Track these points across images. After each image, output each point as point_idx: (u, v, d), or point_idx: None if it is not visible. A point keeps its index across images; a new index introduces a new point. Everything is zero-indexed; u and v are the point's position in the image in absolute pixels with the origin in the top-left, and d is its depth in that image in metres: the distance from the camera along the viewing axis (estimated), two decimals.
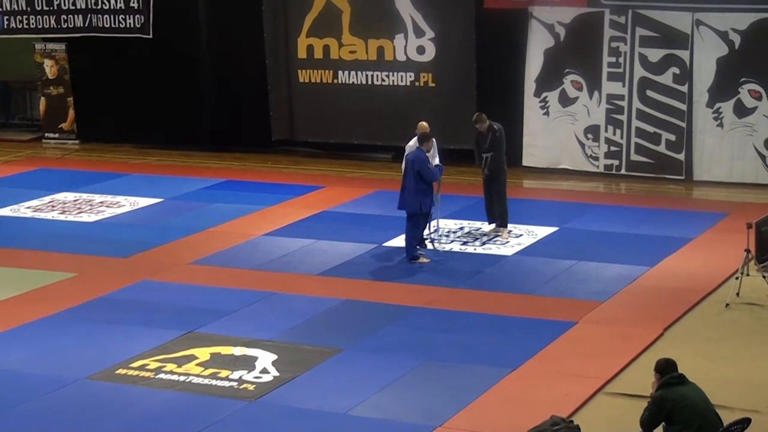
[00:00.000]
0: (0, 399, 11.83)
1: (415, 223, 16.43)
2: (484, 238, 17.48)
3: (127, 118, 24.97)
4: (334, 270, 16.11)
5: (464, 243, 17.31)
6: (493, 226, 17.76)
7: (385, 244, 17.15)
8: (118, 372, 12.48)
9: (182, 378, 12.31)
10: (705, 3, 20.65)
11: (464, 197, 19.32)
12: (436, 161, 16.76)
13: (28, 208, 19.71)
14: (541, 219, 18.49)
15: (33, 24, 24.58)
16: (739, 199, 19.86)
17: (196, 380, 12.25)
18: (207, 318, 14.12)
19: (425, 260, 16.41)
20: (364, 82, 23.13)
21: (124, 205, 19.82)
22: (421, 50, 22.72)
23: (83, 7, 24.04)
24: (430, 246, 16.96)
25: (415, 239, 16.51)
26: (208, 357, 12.87)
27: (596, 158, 21.64)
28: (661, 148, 21.18)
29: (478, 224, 18.07)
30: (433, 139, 16.62)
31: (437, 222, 17.44)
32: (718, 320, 14.05)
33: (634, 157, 21.35)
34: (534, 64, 21.82)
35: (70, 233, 18.13)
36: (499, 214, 17.65)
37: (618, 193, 21.01)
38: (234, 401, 11.72)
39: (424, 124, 16.80)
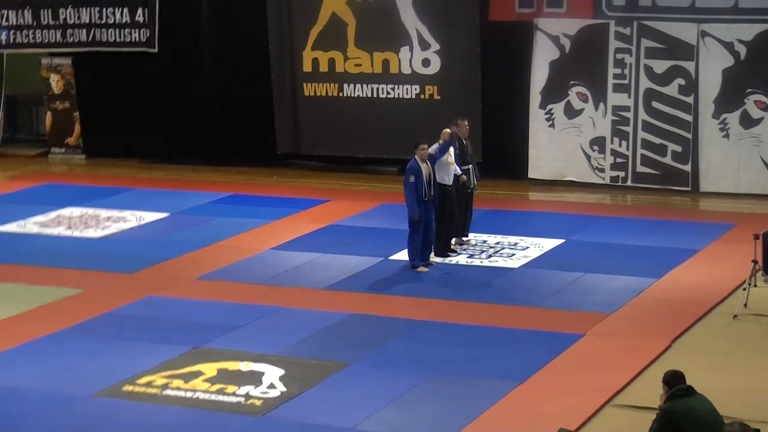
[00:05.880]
0: (7, 416, 11.81)
1: (411, 231, 16.43)
2: (491, 251, 17.46)
3: (133, 133, 24.98)
4: (341, 284, 16.09)
5: (470, 256, 17.28)
6: (464, 239, 17.74)
7: (391, 257, 17.12)
8: (124, 389, 12.46)
9: (189, 394, 12.28)
10: (710, 14, 20.62)
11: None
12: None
13: (35, 223, 19.70)
14: (548, 231, 18.47)
15: (38, 38, 24.60)
16: (745, 210, 19.82)
17: (202, 396, 12.23)
18: (213, 333, 14.10)
19: (423, 269, 16.42)
20: (369, 95, 23.11)
21: (130, 221, 19.81)
22: (426, 63, 22.72)
23: (88, 21, 24.06)
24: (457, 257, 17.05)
25: (412, 246, 16.49)
26: (214, 372, 12.84)
27: (602, 170, 21.61)
28: (667, 160, 21.15)
29: (484, 237, 18.04)
30: (446, 144, 16.80)
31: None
32: (726, 331, 14.02)
33: (640, 168, 21.32)
34: (539, 76, 21.80)
35: (76, 249, 18.13)
36: (466, 225, 17.67)
37: (624, 205, 20.98)
38: (241, 417, 11.70)
39: (448, 131, 16.89)
